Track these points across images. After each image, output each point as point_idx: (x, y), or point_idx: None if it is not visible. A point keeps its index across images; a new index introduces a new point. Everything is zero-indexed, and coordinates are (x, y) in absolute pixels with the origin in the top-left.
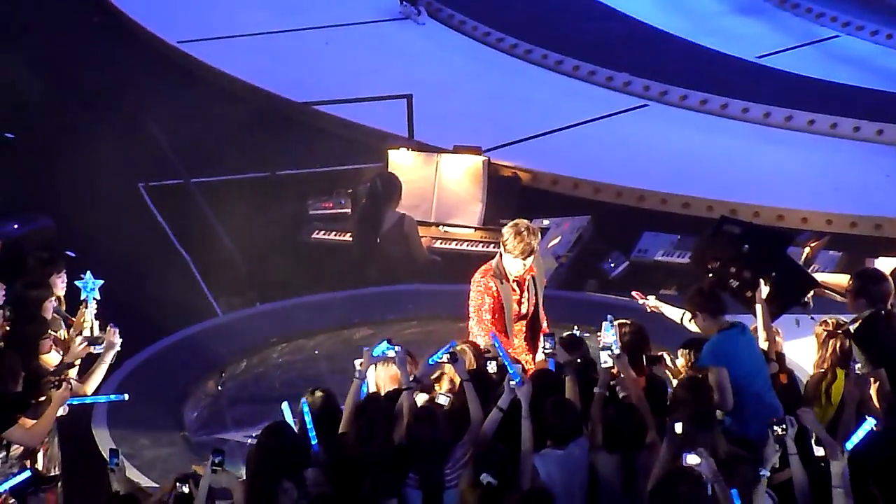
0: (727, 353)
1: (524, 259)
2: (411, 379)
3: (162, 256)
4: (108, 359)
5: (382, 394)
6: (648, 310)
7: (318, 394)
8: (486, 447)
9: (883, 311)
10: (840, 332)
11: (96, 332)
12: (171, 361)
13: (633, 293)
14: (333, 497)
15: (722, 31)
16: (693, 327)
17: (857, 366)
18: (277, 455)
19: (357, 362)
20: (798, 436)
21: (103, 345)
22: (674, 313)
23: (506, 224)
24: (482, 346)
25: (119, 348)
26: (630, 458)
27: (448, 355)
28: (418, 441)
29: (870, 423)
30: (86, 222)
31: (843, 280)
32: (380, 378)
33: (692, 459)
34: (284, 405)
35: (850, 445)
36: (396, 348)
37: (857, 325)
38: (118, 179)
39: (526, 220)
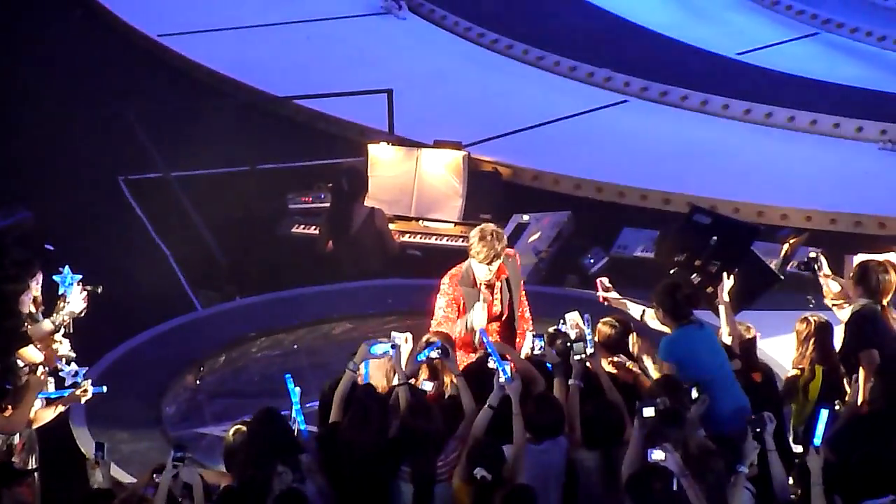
0: (683, 349)
1: (489, 264)
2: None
3: (141, 250)
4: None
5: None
6: (603, 301)
7: (240, 428)
8: (480, 442)
9: (879, 306)
10: (820, 329)
11: (67, 350)
12: (149, 355)
13: (598, 281)
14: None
15: (702, 27)
16: (654, 324)
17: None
18: (269, 440)
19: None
20: (776, 432)
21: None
22: (635, 310)
23: (487, 219)
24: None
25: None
26: (610, 454)
27: (438, 350)
28: (412, 433)
29: (825, 414)
30: (65, 215)
31: (834, 287)
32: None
33: (657, 455)
34: (287, 378)
35: (818, 441)
36: (391, 351)
37: (850, 314)
38: (97, 172)
39: (492, 225)
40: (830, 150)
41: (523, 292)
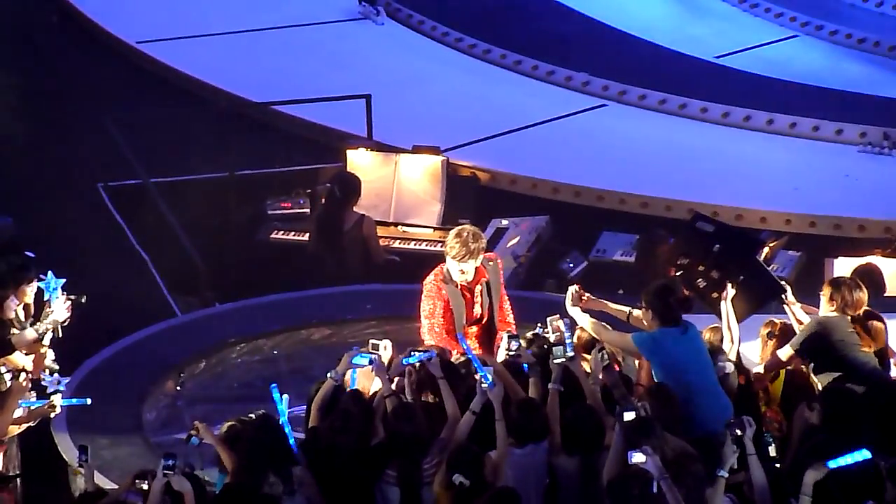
0: (658, 349)
1: (461, 262)
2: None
3: (120, 256)
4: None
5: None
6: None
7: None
8: (459, 448)
9: (848, 318)
10: (784, 332)
11: (51, 361)
12: (129, 362)
13: (570, 290)
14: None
15: (680, 30)
16: (642, 325)
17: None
18: (266, 449)
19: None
20: (756, 436)
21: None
22: (618, 311)
23: (465, 224)
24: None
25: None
26: (590, 460)
27: (420, 352)
28: (397, 437)
29: (863, 455)
30: (44, 222)
31: (801, 315)
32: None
33: (638, 458)
34: (273, 388)
35: (833, 464)
36: (373, 356)
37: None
38: (77, 179)
39: (472, 227)
40: (810, 152)
41: (506, 297)
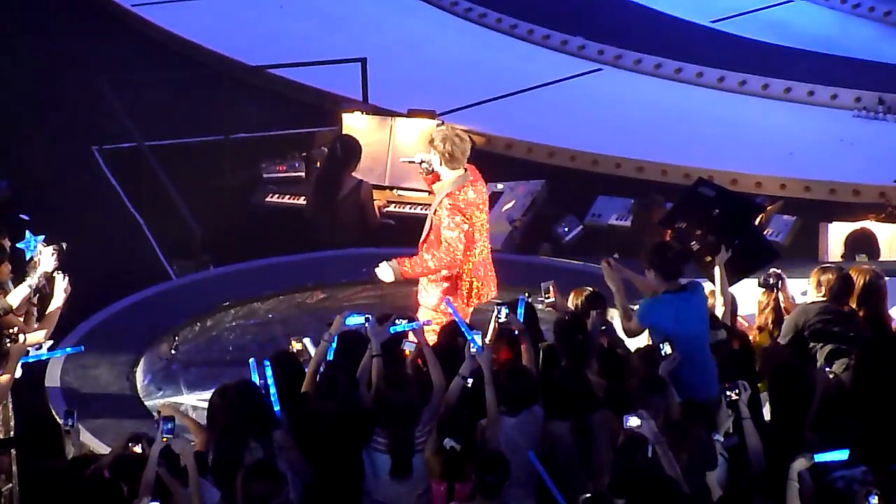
0: (660, 315)
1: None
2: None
3: (116, 220)
4: (59, 303)
5: None
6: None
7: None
8: (450, 412)
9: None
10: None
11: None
12: (123, 325)
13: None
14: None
15: None
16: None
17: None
18: (246, 415)
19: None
20: (751, 400)
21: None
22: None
23: None
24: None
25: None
26: (582, 422)
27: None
28: (390, 404)
29: (843, 454)
30: (40, 185)
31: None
32: None
33: (633, 422)
34: (251, 362)
35: (819, 458)
36: (366, 323)
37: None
38: (72, 142)
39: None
40: (805, 117)
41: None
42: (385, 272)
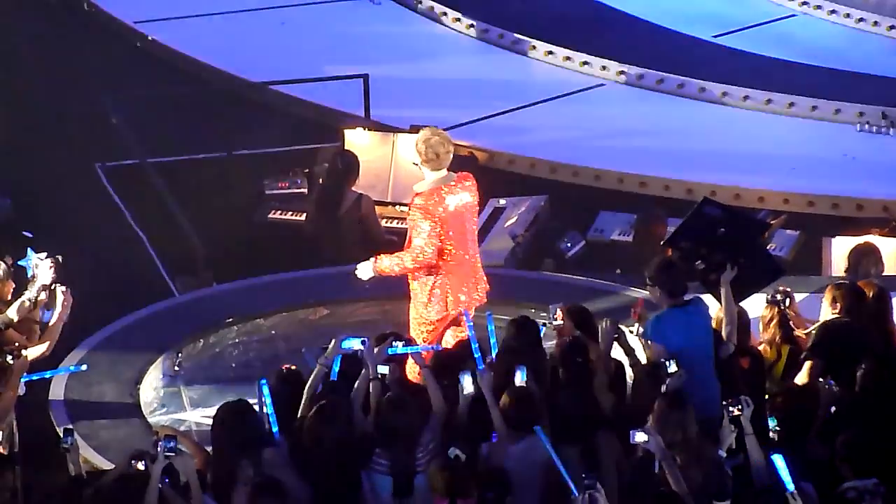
0: (668, 330)
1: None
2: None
3: (118, 237)
4: (62, 318)
5: None
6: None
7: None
8: (456, 423)
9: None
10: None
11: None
12: (126, 342)
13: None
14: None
15: (678, 10)
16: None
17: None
18: (238, 434)
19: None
20: (754, 416)
21: (53, 310)
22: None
23: None
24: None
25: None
26: (590, 446)
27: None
28: (391, 426)
29: (779, 459)
30: (43, 202)
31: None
32: None
33: (640, 437)
34: (263, 384)
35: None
36: (362, 347)
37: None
38: (75, 159)
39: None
40: (808, 132)
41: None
42: (363, 269)
